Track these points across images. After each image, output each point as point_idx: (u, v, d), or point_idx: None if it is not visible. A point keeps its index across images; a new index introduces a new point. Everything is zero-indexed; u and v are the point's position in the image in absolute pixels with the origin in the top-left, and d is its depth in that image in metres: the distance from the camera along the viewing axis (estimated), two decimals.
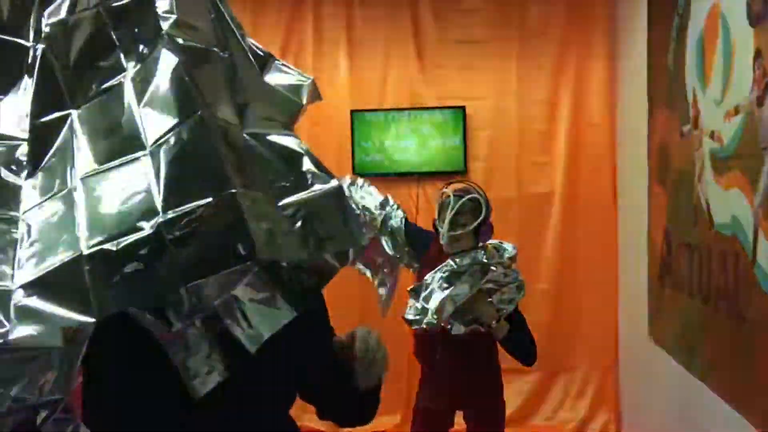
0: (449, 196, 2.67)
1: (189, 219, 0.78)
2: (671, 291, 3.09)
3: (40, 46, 0.98)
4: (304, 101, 1.14)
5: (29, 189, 0.88)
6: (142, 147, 0.85)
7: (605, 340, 4.30)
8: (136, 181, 0.82)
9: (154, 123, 0.86)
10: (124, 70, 0.93)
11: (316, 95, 1.16)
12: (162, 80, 0.89)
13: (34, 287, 0.78)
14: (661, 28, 3.23)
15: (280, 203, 0.86)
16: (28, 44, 0.99)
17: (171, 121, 0.85)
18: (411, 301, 2.56)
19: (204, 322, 0.87)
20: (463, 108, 4.32)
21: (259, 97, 0.97)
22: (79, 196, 0.84)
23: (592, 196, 4.30)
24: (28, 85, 0.97)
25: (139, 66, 0.92)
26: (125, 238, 0.78)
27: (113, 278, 0.77)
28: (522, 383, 4.25)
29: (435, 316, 2.47)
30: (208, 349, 0.88)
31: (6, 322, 0.75)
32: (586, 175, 4.32)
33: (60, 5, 1.00)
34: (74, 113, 0.91)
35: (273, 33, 4.28)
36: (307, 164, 0.91)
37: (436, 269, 2.53)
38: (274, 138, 0.92)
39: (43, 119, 0.93)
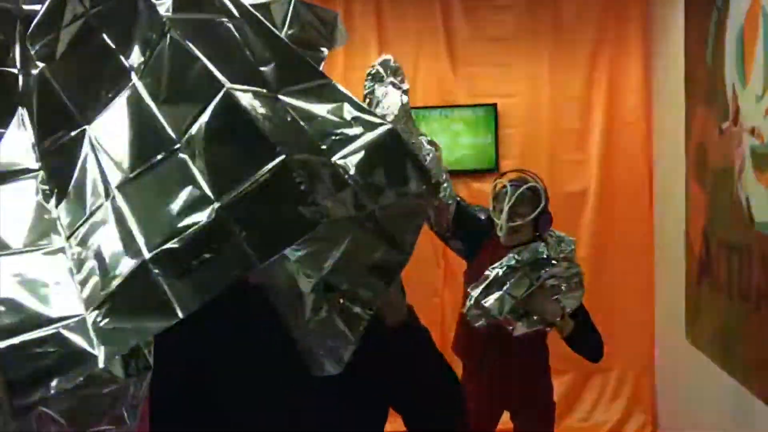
0: (505, 186, 2.59)
1: (246, 198, 0.73)
2: (710, 291, 3.03)
3: (34, 72, 0.93)
4: (336, 43, 1.10)
5: (64, 215, 0.84)
6: (172, 142, 0.81)
7: (641, 341, 4.23)
8: (176, 177, 0.78)
9: (178, 115, 0.82)
10: (129, 71, 0.89)
11: (344, 33, 1.12)
12: (174, 69, 0.85)
13: (106, 306, 0.74)
14: (698, 23, 3.16)
15: (335, 159, 0.80)
16: (15, 71, 0.95)
17: (194, 108, 0.80)
18: (470, 298, 2.45)
19: (329, 298, 0.85)
20: (494, 105, 4.28)
21: (282, 55, 0.89)
22: (120, 207, 0.80)
23: (627, 195, 4.22)
24: (24, 114, 0.93)
25: (144, 63, 0.88)
26: (184, 233, 0.74)
27: (186, 274, 0.73)
28: (556, 384, 4.12)
29: (494, 315, 2.38)
30: (339, 323, 0.85)
31: (93, 350, 0.71)
32: (621, 174, 4.25)
33: (43, 25, 0.95)
34: (88, 129, 0.87)
35: None
36: (352, 112, 0.84)
37: (496, 264, 2.43)
38: (311, 94, 0.85)
39: (56, 142, 0.88)
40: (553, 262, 2.43)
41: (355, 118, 0.83)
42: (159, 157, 0.81)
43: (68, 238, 0.81)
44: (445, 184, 2.62)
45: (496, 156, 4.29)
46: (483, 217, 2.71)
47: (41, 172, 0.88)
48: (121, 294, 0.74)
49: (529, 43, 4.28)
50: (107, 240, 0.78)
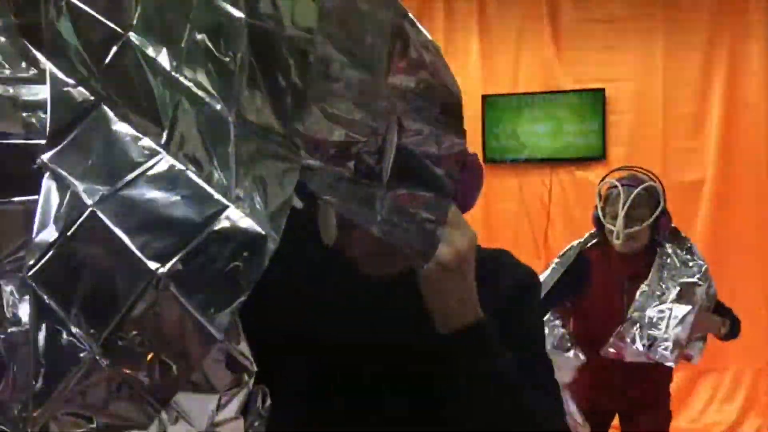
0: (616, 186, 2.43)
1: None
2: None
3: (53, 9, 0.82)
4: None
5: (152, 126, 0.76)
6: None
7: (760, 340, 4.02)
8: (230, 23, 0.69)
9: None
10: None
11: None
12: None
13: (239, 186, 0.69)
14: None
15: None
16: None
17: None
18: (622, 342, 2.32)
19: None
20: (602, 90, 4.16)
21: None
22: (196, 89, 0.71)
23: (747, 185, 4.02)
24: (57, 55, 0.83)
25: None
26: None
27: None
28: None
29: (673, 354, 2.28)
30: (412, 207, 0.74)
31: (260, 230, 0.66)
32: (742, 161, 4.04)
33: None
34: (131, 36, 0.76)
35: None
36: None
37: (639, 302, 2.32)
38: None
39: (110, 63, 0.77)
40: (699, 283, 2.34)
41: None
42: (206, 22, 0.72)
43: (167, 144, 0.74)
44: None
45: (603, 144, 4.18)
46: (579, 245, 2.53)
47: (103, 103, 0.79)
48: (246, 171, 0.68)
49: (640, 24, 4.13)
50: (207, 126, 0.72)
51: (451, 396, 0.85)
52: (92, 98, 0.80)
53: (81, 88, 0.80)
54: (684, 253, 2.38)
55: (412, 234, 0.74)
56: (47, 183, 0.77)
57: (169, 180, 0.72)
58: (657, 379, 2.54)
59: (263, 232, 0.66)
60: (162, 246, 0.68)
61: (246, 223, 0.67)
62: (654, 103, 4.14)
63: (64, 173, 0.77)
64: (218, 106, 0.70)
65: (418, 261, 0.75)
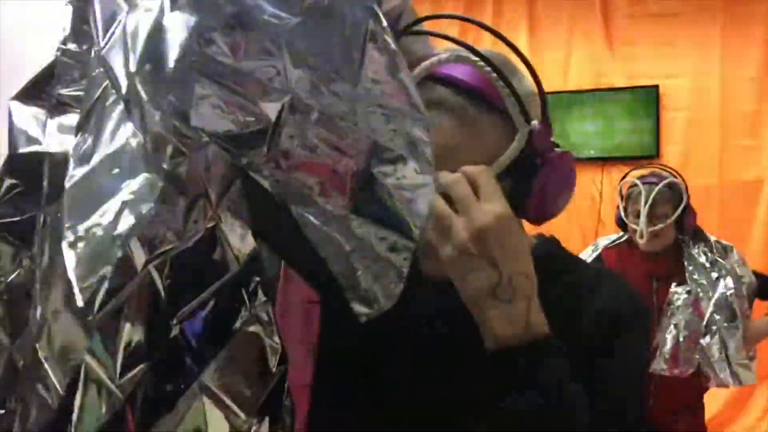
0: (636, 185, 2.40)
1: None
2: None
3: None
4: None
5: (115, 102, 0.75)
6: None
7: None
8: None
9: None
10: None
11: None
12: None
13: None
14: None
15: None
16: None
17: None
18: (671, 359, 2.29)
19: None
20: (656, 87, 4.07)
21: None
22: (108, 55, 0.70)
23: None
24: None
25: None
26: None
27: None
28: (720, 389, 3.91)
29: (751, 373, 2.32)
30: (381, 248, 0.63)
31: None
32: None
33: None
34: (125, 10, 0.74)
35: (452, 10, 4.24)
36: None
37: (685, 314, 2.27)
38: None
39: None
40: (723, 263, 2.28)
41: None
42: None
43: (135, 121, 0.72)
44: None
45: (656, 142, 4.10)
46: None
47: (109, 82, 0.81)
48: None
49: (696, 19, 4.04)
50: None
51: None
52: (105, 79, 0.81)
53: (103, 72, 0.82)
54: (709, 251, 2.32)
55: (377, 270, 0.64)
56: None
57: (122, 156, 0.72)
58: (692, 389, 2.47)
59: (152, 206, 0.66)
60: (79, 223, 0.68)
61: (143, 198, 0.66)
62: (711, 100, 4.04)
63: (72, 162, 0.79)
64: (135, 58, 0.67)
65: (379, 303, 0.64)
